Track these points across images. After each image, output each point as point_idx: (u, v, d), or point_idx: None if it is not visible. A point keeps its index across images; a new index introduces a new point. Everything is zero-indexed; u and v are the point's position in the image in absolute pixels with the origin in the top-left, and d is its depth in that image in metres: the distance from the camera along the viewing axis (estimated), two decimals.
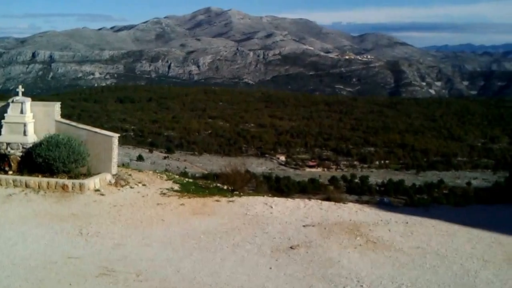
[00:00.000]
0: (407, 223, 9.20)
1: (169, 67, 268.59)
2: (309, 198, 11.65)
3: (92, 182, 11.52)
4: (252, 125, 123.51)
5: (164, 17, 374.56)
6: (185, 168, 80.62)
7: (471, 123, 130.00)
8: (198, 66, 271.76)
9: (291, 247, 7.82)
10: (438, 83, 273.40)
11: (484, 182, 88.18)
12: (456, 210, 11.16)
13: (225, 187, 12.78)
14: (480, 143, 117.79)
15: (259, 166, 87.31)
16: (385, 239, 8.16)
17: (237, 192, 11.82)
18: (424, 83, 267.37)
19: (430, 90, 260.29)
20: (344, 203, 10.86)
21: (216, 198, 11.08)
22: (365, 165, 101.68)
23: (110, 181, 12.04)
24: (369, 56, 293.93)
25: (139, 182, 12.50)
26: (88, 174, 11.99)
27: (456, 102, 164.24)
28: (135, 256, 7.46)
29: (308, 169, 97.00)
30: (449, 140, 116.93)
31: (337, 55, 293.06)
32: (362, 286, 6.42)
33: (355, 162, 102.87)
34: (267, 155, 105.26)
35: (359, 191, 74.96)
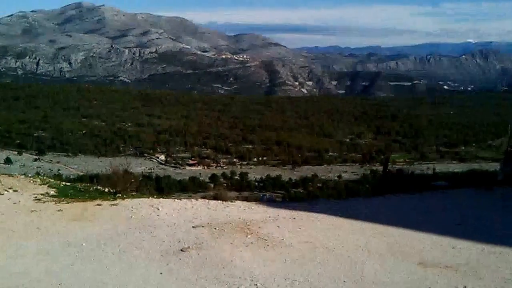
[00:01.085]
0: (294, 218, 9.32)
1: (37, 64, 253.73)
2: (197, 198, 11.43)
3: None
4: (129, 124, 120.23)
5: (31, 11, 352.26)
6: (59, 170, 76.36)
7: (339, 121, 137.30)
8: (70, 63, 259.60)
9: (181, 250, 7.57)
10: (310, 83, 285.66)
11: (353, 174, 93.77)
12: (339, 204, 11.53)
13: (107, 190, 12.14)
14: (348, 139, 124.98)
15: (138, 166, 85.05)
16: (275, 236, 8.19)
17: (120, 195, 11.27)
18: (297, 83, 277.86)
19: (303, 89, 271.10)
20: (231, 202, 10.80)
21: (97, 202, 10.47)
22: (244, 162, 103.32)
23: None
24: (245, 56, 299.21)
25: (10, 188, 11.50)
26: None
27: (326, 100, 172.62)
28: (7, 270, 6.77)
29: (188, 168, 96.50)
30: (321, 137, 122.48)
31: (214, 54, 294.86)
32: (256, 285, 6.35)
33: (235, 160, 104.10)
34: (146, 155, 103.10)
35: (239, 187, 75.94)
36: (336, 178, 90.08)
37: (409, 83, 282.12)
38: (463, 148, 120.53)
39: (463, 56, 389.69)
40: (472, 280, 6.43)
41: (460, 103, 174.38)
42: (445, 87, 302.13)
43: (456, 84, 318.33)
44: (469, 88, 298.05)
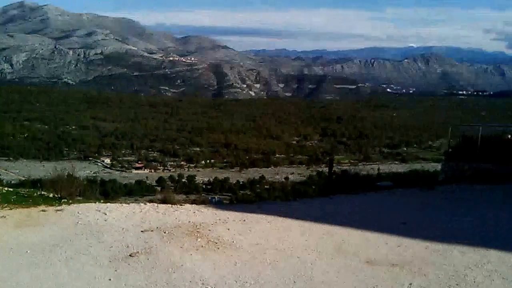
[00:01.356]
0: (244, 220, 9.36)
1: None
2: (145, 202, 11.28)
3: None
4: (73, 127, 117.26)
5: None
6: None
7: (286, 123, 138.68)
8: (11, 65, 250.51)
9: (130, 255, 7.45)
10: (257, 85, 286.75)
11: (300, 176, 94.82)
12: (288, 205, 11.64)
13: (52, 195, 11.77)
14: (295, 141, 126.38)
15: (82, 170, 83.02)
16: (225, 239, 8.20)
17: (66, 200, 10.97)
18: (244, 85, 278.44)
19: (250, 92, 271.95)
20: (180, 205, 10.72)
21: (42, 207, 10.14)
22: (192, 165, 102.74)
23: None
24: (192, 58, 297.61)
25: None
26: None
27: (273, 103, 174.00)
28: None
29: (135, 171, 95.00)
30: (268, 139, 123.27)
31: (161, 56, 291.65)
32: None
33: (182, 162, 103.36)
34: (91, 158, 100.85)
35: (187, 190, 75.47)
36: (283, 179, 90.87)
37: (354, 86, 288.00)
38: (405, 149, 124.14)
39: (406, 60, 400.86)
40: (417, 277, 6.64)
41: (402, 105, 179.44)
42: (388, 90, 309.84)
43: (398, 87, 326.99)
44: (411, 91, 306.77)
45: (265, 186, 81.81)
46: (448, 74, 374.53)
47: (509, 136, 17.42)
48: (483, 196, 12.42)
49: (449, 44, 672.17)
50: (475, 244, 7.88)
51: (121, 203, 11.16)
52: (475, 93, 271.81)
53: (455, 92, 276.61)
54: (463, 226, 9.32)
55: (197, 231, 8.57)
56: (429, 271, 6.81)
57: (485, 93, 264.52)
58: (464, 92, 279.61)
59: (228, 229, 8.80)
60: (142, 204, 10.79)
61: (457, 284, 6.41)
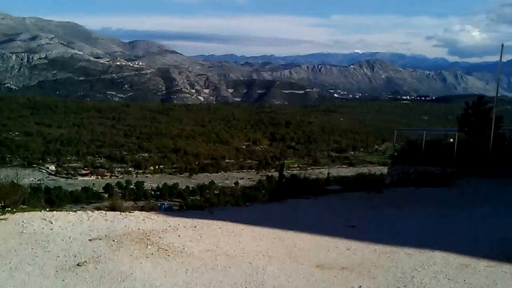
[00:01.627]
0: (195, 227, 9.27)
1: None
2: (92, 210, 11.00)
3: None
4: (16, 133, 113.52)
5: None
6: None
7: (236, 128, 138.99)
8: None
9: (78, 264, 7.24)
10: (206, 91, 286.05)
11: (250, 181, 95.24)
12: (239, 211, 11.64)
13: None
14: (244, 145, 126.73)
15: (26, 177, 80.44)
16: (176, 246, 8.10)
17: (10, 209, 10.57)
18: (193, 90, 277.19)
19: (199, 97, 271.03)
20: (130, 212, 10.53)
21: None
22: (140, 171, 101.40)
23: None
24: (140, 63, 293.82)
25: None
26: None
27: (223, 108, 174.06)
28: None
29: (81, 178, 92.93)
30: (217, 144, 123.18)
31: (108, 61, 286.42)
32: None
33: (130, 168, 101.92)
34: (35, 165, 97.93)
35: (136, 196, 74.48)
36: (233, 184, 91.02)
37: (302, 91, 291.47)
38: (352, 153, 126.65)
39: (352, 66, 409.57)
40: (366, 280, 6.75)
41: (349, 110, 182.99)
42: (335, 95, 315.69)
43: (345, 92, 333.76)
44: (357, 96, 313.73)
45: (215, 192, 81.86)
46: (393, 80, 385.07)
47: (451, 140, 18.01)
48: (428, 199, 12.80)
49: (393, 51, 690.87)
50: (421, 245, 8.07)
51: (67, 211, 10.84)
52: (418, 98, 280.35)
53: (399, 97, 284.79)
54: (409, 228, 9.56)
55: (147, 239, 8.43)
56: (377, 273, 6.94)
57: (427, 98, 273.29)
58: (408, 97, 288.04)
59: (179, 236, 8.69)
60: (89, 211, 10.51)
61: (404, 286, 6.55)
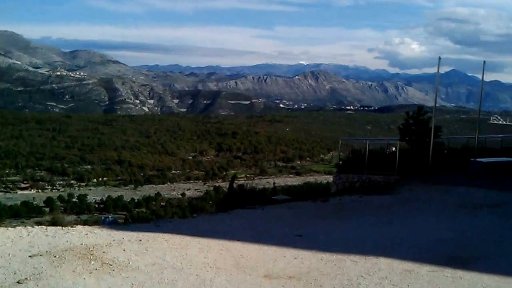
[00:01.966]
0: (140, 240, 9.09)
1: None
2: (32, 225, 10.60)
3: None
4: None
5: None
6: None
7: (182, 139, 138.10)
8: None
9: (18, 282, 6.94)
10: (151, 101, 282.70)
11: (197, 192, 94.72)
12: (186, 222, 11.50)
13: None
14: (191, 156, 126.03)
15: None
16: (121, 260, 7.89)
17: None
18: (137, 101, 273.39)
19: (144, 108, 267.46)
20: (72, 227, 10.20)
21: None
22: (83, 184, 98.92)
23: None
24: (82, 73, 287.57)
25: None
26: None
27: (168, 119, 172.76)
28: None
29: (20, 192, 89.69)
30: (163, 155, 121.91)
31: (48, 71, 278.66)
32: None
33: (72, 181, 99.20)
34: None
35: (78, 210, 72.59)
36: (180, 196, 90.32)
37: (248, 102, 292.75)
38: (298, 162, 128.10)
39: (297, 77, 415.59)
40: None
41: (294, 120, 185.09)
42: (281, 105, 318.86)
43: (290, 103, 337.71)
44: (302, 106, 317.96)
45: (162, 203, 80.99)
46: (337, 90, 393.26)
47: (393, 149, 18.49)
48: (372, 206, 13.05)
49: (336, 62, 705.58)
50: (366, 253, 8.20)
51: (6, 226, 10.40)
52: (362, 108, 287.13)
53: (343, 107, 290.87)
54: (354, 236, 9.70)
55: (91, 254, 8.19)
56: (324, 281, 6.99)
57: (370, 108, 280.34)
58: (352, 107, 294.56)
59: (124, 250, 8.49)
60: (29, 227, 10.12)
61: None
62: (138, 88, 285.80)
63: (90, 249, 8.42)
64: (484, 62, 20.21)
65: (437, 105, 20.78)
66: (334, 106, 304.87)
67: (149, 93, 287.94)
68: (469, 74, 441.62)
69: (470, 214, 11.77)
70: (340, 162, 20.30)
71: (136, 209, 74.86)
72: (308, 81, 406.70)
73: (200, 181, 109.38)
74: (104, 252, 8.31)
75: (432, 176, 17.36)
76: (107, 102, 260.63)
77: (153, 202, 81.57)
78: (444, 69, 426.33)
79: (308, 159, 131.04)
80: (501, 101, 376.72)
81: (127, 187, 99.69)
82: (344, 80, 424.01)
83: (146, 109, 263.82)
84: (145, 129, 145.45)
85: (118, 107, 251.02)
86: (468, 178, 17.38)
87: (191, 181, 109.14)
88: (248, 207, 12.97)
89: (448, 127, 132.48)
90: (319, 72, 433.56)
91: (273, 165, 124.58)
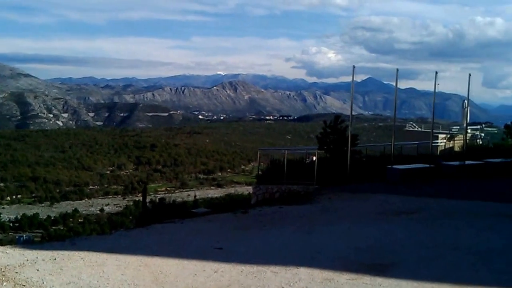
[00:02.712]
0: (55, 259, 8.73)
1: None
2: None
3: None
4: None
5: None
6: None
7: (99, 153, 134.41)
8: None
9: None
10: (65, 115, 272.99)
11: (116, 207, 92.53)
12: (103, 239, 11.19)
13: None
14: (109, 171, 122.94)
15: None
16: (34, 280, 7.55)
17: None
18: (51, 115, 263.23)
19: (58, 122, 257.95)
20: None
21: None
22: None
23: None
24: None
25: None
26: None
27: (84, 133, 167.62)
28: None
29: None
30: (80, 170, 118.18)
31: None
32: None
33: None
34: None
35: None
36: (98, 211, 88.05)
37: (166, 114, 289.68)
38: (219, 174, 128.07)
39: (215, 87, 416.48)
40: None
41: (214, 131, 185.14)
42: (200, 116, 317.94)
43: (209, 114, 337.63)
44: (221, 117, 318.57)
45: (79, 220, 78.75)
46: (255, 101, 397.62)
47: (314, 158, 18.82)
48: (292, 217, 13.25)
49: (254, 72, 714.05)
50: (287, 263, 8.29)
51: None
52: (281, 117, 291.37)
53: (262, 117, 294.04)
54: (275, 247, 9.80)
55: (2, 275, 7.77)
56: None
57: (290, 118, 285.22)
58: (271, 117, 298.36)
59: (38, 269, 8.12)
60: None
61: None
62: (52, 102, 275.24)
63: (2, 270, 8.00)
64: (397, 70, 21.15)
65: (355, 113, 21.51)
66: (253, 116, 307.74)
67: (63, 107, 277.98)
68: (385, 82, 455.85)
69: (388, 221, 12.19)
70: (260, 173, 20.48)
71: (53, 227, 72.37)
72: (226, 91, 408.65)
73: (119, 196, 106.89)
74: (17, 272, 7.93)
75: (351, 184, 17.83)
76: (19, 117, 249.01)
77: (71, 219, 79.03)
78: (360, 78, 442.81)
79: (229, 170, 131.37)
80: (416, 108, 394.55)
81: (43, 204, 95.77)
82: (262, 90, 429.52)
83: (61, 123, 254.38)
84: (60, 144, 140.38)
85: (31, 122, 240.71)
86: (385, 185, 18.02)
87: (110, 196, 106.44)
88: (167, 221, 12.81)
89: (366, 135, 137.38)
90: (237, 82, 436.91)
91: (194, 178, 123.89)
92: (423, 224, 11.75)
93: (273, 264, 8.26)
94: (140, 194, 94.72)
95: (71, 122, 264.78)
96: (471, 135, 32.61)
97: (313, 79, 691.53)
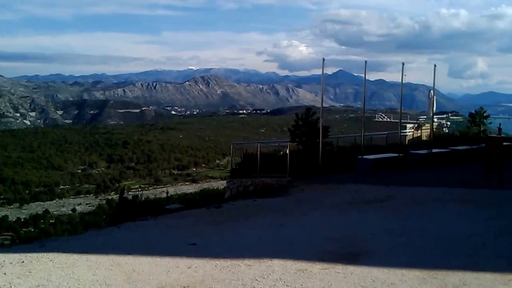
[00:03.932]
0: (23, 262, 8.53)
1: None
2: None
3: None
4: None
5: None
6: None
7: (69, 152, 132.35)
8: None
9: None
10: (33, 114, 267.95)
11: (88, 206, 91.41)
12: (73, 240, 11.00)
13: None
14: (80, 169, 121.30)
15: None
16: (2, 284, 7.36)
17: None
18: (18, 114, 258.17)
19: (25, 121, 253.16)
20: None
21: None
22: None
23: None
24: None
25: None
26: None
27: (53, 131, 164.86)
28: None
29: None
30: (49, 170, 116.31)
31: None
32: None
33: None
34: None
35: None
36: (70, 211, 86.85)
37: (138, 110, 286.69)
38: (194, 169, 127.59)
39: (187, 82, 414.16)
40: None
41: (187, 127, 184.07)
42: (173, 112, 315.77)
43: (182, 109, 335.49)
44: (194, 112, 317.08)
45: (50, 221, 77.61)
46: (228, 95, 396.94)
47: (287, 151, 18.87)
48: (265, 209, 13.26)
49: (226, 66, 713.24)
50: (261, 256, 8.28)
51: None
52: (254, 111, 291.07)
53: (236, 111, 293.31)
54: (248, 240, 9.78)
55: None
56: None
57: (263, 111, 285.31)
58: (244, 111, 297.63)
59: (5, 273, 7.92)
60: None
61: None
62: (18, 101, 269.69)
63: None
64: (366, 62, 21.33)
65: (326, 105, 21.65)
66: (226, 111, 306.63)
67: (30, 105, 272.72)
68: (355, 74, 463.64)
69: (359, 210, 12.35)
70: (234, 167, 20.44)
71: (23, 229, 71.05)
72: (199, 86, 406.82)
73: (92, 195, 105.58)
74: None
75: (323, 176, 18.00)
76: None
77: (42, 220, 77.78)
78: (331, 70, 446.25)
79: (203, 165, 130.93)
80: (386, 99, 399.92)
81: (12, 206, 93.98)
82: (235, 84, 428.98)
83: (28, 123, 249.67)
84: (28, 144, 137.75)
85: None
86: (356, 176, 18.28)
87: (81, 196, 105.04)
88: (140, 219, 12.67)
89: (338, 126, 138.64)
90: (209, 77, 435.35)
91: (168, 174, 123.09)
92: (393, 212, 11.91)
93: (247, 257, 8.24)
94: (113, 192, 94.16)
95: (39, 121, 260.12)
96: (438, 124, 33.21)
97: (285, 72, 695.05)
